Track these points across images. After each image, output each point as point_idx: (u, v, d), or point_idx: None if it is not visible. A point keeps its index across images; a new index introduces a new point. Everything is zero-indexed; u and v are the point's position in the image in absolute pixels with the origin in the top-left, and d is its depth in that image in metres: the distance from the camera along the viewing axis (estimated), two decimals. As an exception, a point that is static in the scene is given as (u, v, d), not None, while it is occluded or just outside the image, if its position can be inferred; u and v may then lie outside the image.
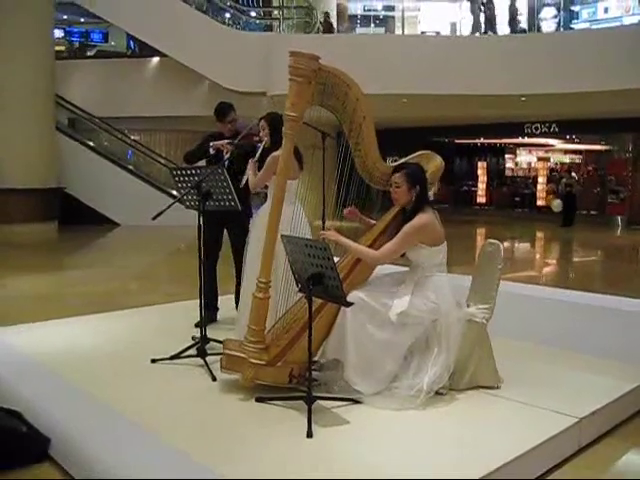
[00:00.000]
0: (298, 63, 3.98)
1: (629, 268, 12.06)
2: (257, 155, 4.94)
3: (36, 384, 4.13)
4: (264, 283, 4.08)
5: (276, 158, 4.58)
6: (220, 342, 4.42)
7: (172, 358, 4.60)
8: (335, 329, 4.02)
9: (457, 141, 25.38)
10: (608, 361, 4.73)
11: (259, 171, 4.91)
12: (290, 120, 4.04)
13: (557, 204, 20.24)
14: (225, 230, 5.77)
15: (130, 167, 18.91)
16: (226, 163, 5.33)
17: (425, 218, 4.08)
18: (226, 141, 5.43)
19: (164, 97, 18.38)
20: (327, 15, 18.11)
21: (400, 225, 4.18)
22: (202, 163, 5.46)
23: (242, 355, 3.96)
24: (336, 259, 3.81)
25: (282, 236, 3.87)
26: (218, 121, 5.74)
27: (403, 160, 4.51)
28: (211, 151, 5.52)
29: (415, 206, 4.15)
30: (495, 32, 17.15)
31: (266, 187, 4.93)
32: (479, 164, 26.08)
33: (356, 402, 3.85)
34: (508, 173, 27.23)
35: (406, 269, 4.28)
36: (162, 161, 19.40)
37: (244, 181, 5.01)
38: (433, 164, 4.58)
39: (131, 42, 22.16)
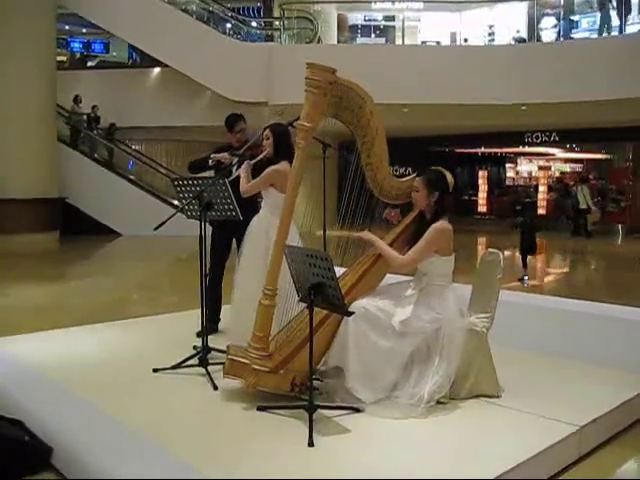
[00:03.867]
0: (314, 75, 4.01)
1: (629, 277, 12.04)
2: (255, 160, 4.94)
3: (38, 393, 4.14)
4: (270, 290, 4.09)
5: (276, 172, 4.58)
6: (222, 351, 4.44)
7: (174, 367, 4.60)
8: (337, 337, 4.03)
9: (458, 150, 25.41)
10: (608, 369, 4.74)
11: (252, 177, 4.91)
12: (303, 130, 4.06)
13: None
14: (234, 240, 5.76)
15: (131, 177, 18.97)
16: (234, 169, 5.34)
17: (445, 225, 4.14)
18: (226, 154, 5.45)
19: (165, 107, 18.44)
20: None
21: (416, 231, 4.22)
22: (212, 173, 5.46)
23: (245, 361, 3.98)
24: (341, 270, 3.83)
25: (284, 246, 3.89)
26: (228, 131, 5.78)
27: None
28: (210, 163, 5.53)
29: (435, 211, 4.20)
30: (624, 29, 16.10)
31: (261, 197, 4.94)
32: (480, 173, 26.09)
33: (357, 411, 3.86)
34: (509, 182, 27.25)
35: (409, 278, 4.30)
36: (163, 171, 19.46)
37: (234, 175, 5.01)
38: None
39: (132, 52, 22.25)
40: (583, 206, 19.36)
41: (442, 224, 4.13)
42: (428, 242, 4.09)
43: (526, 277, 10.63)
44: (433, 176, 4.28)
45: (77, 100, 18.62)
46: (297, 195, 4.21)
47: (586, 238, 18.73)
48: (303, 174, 4.53)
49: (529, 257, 11.13)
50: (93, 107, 18.81)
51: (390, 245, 4.28)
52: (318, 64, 4.03)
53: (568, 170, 26.64)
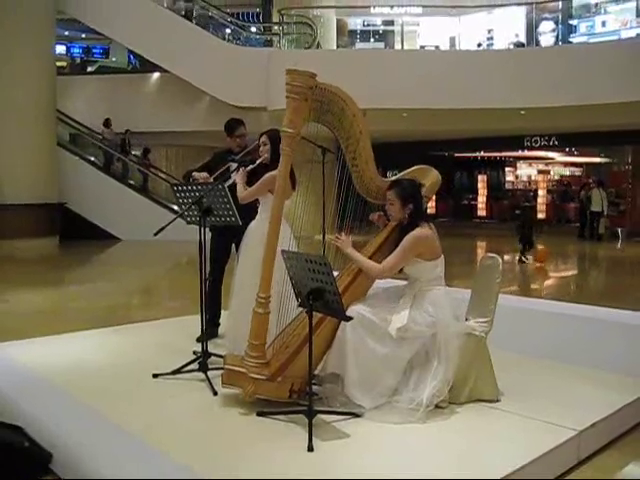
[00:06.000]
0: (294, 80, 4.02)
1: (629, 281, 12.05)
2: (251, 166, 4.93)
3: (38, 399, 4.14)
4: (264, 298, 4.09)
5: (273, 177, 4.59)
6: (221, 357, 4.44)
7: (174, 373, 4.61)
8: (335, 344, 4.03)
9: (457, 155, 25.43)
10: (607, 374, 4.74)
11: (247, 183, 4.91)
12: (287, 137, 4.08)
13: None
14: (234, 245, 5.75)
15: (131, 182, 18.97)
16: (233, 174, 5.33)
17: (423, 232, 4.12)
18: (205, 173, 5.42)
19: (165, 112, 18.47)
20: None
21: (397, 241, 4.21)
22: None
23: (243, 370, 3.98)
24: (335, 273, 3.83)
25: (282, 251, 3.88)
26: (227, 136, 5.78)
27: (399, 175, 4.56)
28: (190, 180, 5.49)
29: (411, 222, 4.19)
30: None
31: (258, 202, 4.95)
32: (479, 177, 26.14)
33: (356, 416, 3.86)
34: (508, 186, 27.29)
35: (404, 283, 4.31)
36: (163, 176, 19.47)
37: (230, 181, 5.01)
38: (429, 178, 4.62)
39: (132, 57, 22.29)
40: (597, 209, 19.14)
41: (419, 231, 4.11)
42: (404, 249, 4.09)
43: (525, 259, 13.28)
44: (406, 188, 4.25)
45: (108, 124, 18.55)
46: (284, 201, 4.25)
47: (597, 241, 18.69)
48: (297, 183, 4.56)
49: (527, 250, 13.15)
50: (126, 131, 18.79)
51: (374, 254, 4.28)
52: (297, 70, 4.05)
53: (568, 174, 26.69)
